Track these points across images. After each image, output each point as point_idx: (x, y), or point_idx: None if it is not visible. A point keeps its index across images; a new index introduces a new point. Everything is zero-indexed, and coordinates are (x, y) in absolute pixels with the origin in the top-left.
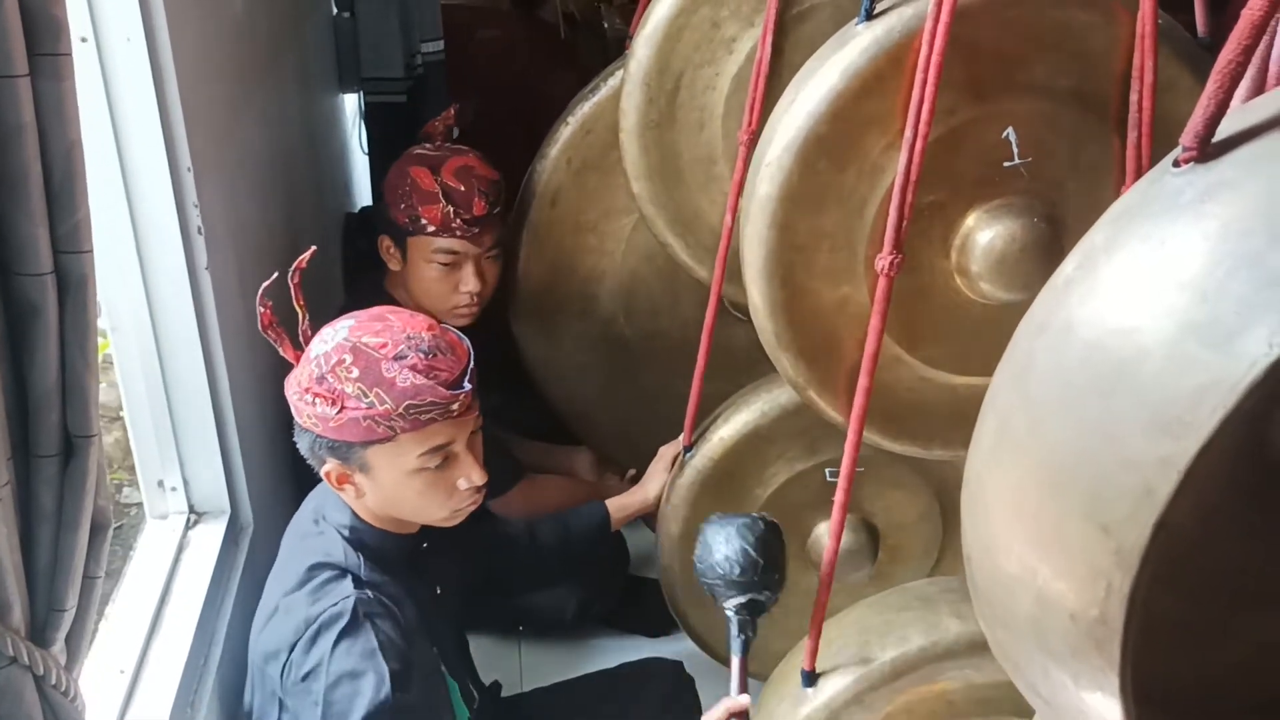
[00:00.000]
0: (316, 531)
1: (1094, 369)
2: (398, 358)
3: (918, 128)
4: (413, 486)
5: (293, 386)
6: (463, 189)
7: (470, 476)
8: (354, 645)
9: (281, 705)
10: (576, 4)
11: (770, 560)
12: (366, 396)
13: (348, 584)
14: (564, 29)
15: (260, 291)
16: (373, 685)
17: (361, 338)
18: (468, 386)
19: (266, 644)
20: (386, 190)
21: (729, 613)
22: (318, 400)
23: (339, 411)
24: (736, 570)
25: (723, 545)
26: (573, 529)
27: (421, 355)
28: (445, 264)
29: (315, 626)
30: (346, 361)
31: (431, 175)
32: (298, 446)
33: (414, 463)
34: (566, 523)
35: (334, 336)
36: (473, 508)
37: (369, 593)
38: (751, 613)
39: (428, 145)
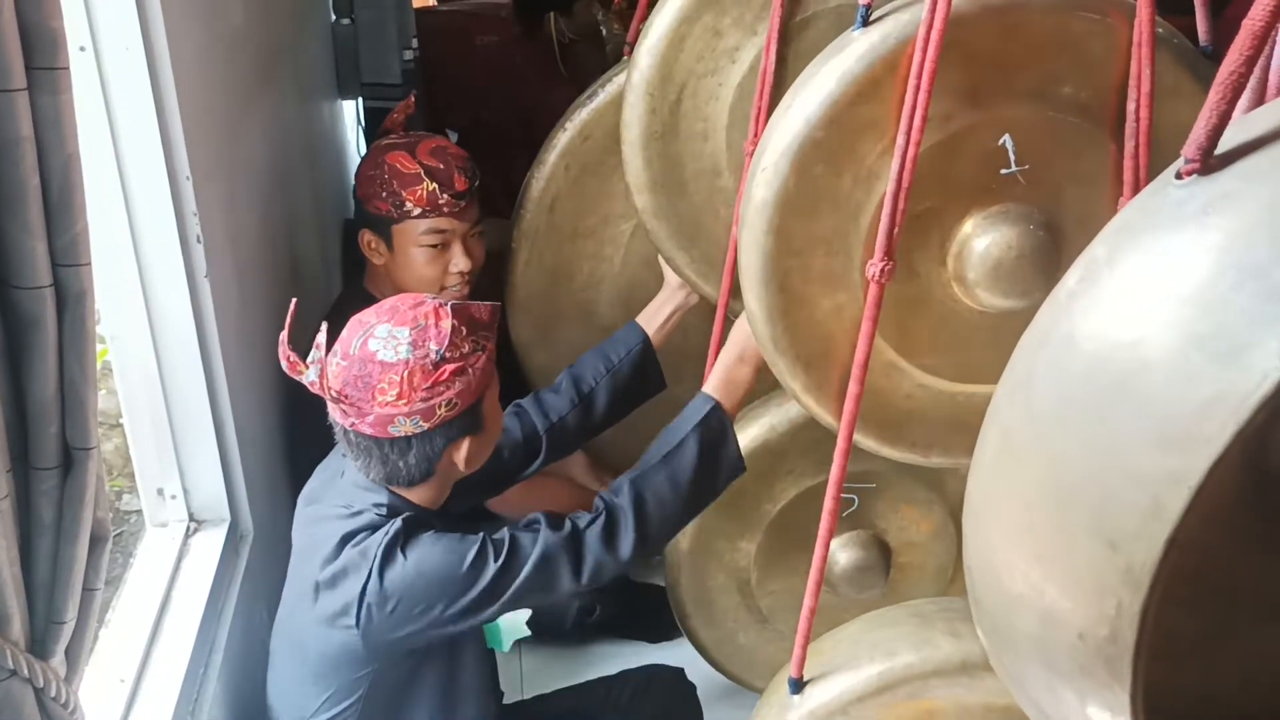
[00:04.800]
0: (350, 513)
1: (1097, 382)
2: (466, 303)
3: (909, 134)
4: (495, 411)
5: (407, 402)
6: (442, 166)
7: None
8: (420, 549)
9: (351, 662)
10: (572, 27)
11: None
12: (480, 343)
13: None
14: (562, 63)
15: (282, 344)
16: (453, 561)
17: (432, 304)
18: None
19: (326, 609)
20: (361, 184)
21: None
22: (453, 379)
23: (471, 373)
24: None
25: None
26: (614, 359)
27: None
28: (434, 245)
29: (378, 562)
30: (456, 325)
31: (409, 157)
32: (409, 461)
33: (493, 388)
34: (605, 355)
35: (398, 334)
36: None
37: (412, 514)
38: None
39: (393, 136)
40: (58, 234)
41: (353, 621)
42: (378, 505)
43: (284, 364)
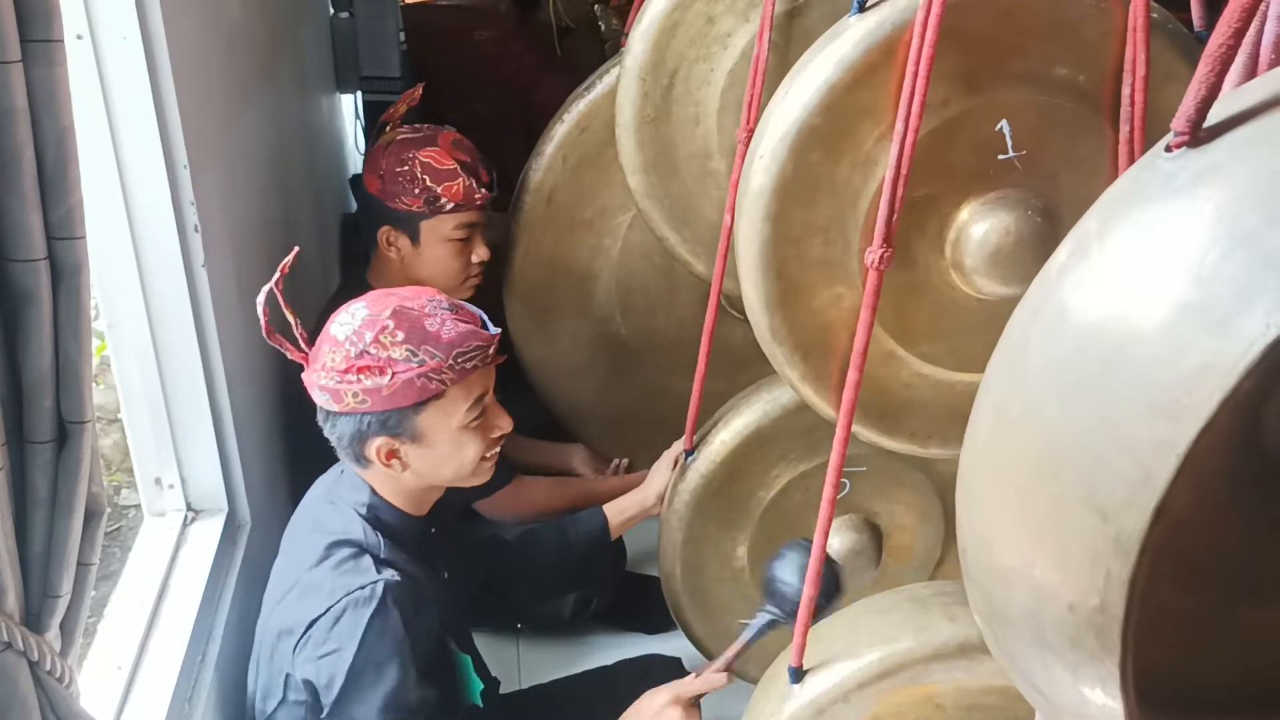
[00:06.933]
0: (333, 511)
1: (1089, 354)
2: (433, 313)
3: (908, 120)
4: (461, 444)
5: (325, 376)
6: (469, 160)
7: (501, 424)
8: (384, 633)
9: (288, 682)
10: (570, 13)
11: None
12: (417, 355)
13: (369, 563)
14: (559, 45)
15: (260, 301)
16: (396, 677)
17: (394, 304)
18: (494, 329)
19: (283, 620)
20: (385, 180)
21: (768, 615)
22: (363, 375)
23: (390, 378)
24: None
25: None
26: (571, 538)
27: (449, 310)
28: (462, 239)
29: (342, 604)
30: (390, 327)
31: (443, 153)
32: (332, 437)
33: (462, 418)
34: (565, 532)
35: (357, 315)
36: (495, 460)
37: (395, 575)
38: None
39: (405, 129)
40: (52, 206)
41: (293, 643)
42: (357, 506)
43: (260, 313)
